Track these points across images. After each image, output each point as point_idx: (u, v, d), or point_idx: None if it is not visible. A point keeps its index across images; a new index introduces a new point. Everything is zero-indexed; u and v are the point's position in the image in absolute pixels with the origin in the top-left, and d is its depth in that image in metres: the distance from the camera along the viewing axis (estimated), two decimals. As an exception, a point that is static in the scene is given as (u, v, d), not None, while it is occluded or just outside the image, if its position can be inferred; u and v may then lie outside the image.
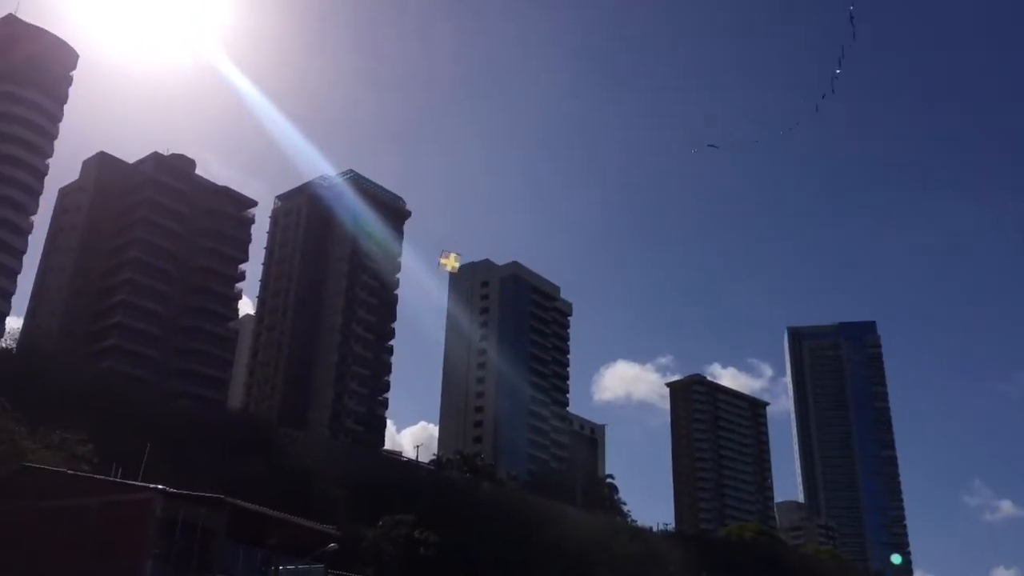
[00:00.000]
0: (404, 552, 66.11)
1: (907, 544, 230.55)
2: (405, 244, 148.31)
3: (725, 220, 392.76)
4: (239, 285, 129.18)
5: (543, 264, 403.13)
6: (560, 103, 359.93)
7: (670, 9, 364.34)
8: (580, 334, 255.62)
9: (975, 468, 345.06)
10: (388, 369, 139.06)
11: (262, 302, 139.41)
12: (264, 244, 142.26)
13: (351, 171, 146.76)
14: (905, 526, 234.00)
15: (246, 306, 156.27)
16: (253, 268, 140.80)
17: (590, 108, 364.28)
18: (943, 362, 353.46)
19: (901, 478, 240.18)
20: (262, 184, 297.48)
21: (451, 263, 46.12)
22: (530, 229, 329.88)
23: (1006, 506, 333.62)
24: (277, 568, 35.88)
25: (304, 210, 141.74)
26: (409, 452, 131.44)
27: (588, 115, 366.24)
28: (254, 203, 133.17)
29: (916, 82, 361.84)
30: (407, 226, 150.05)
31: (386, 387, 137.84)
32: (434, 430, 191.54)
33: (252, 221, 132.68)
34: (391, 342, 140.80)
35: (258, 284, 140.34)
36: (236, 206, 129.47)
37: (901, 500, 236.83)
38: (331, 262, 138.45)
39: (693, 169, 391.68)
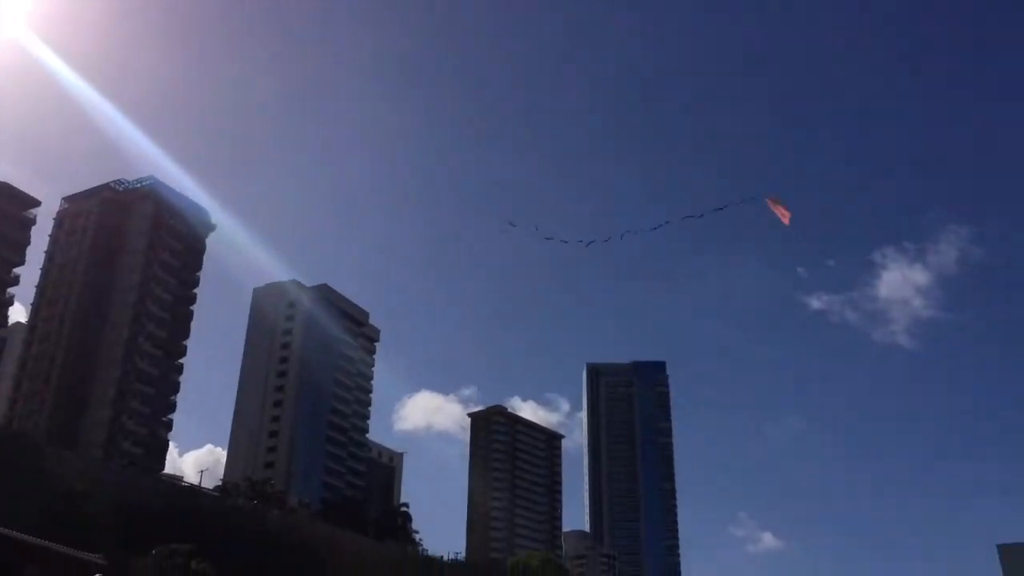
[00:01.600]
0: (179, 583, 62.60)
1: (679, 572, 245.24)
2: (207, 260, 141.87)
3: (533, 262, 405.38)
4: (11, 290, 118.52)
5: (352, 289, 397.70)
6: (386, 124, 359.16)
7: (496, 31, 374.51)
8: (385, 361, 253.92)
9: (741, 502, 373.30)
10: (176, 388, 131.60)
11: (36, 310, 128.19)
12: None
13: (151, 177, 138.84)
14: (679, 555, 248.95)
15: (18, 313, 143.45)
16: (31, 273, 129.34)
17: (414, 131, 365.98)
18: (723, 402, 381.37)
19: (678, 510, 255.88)
20: (61, 185, 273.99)
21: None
22: (341, 252, 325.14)
23: (767, 537, 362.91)
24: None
25: (94, 215, 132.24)
26: (192, 477, 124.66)
27: (412, 137, 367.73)
28: (37, 203, 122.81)
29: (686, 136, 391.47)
30: (210, 240, 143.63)
31: (172, 407, 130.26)
32: (221, 454, 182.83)
33: (34, 222, 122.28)
34: (182, 360, 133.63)
35: (34, 291, 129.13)
36: (16, 204, 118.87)
37: (677, 531, 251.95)
38: (121, 272, 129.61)
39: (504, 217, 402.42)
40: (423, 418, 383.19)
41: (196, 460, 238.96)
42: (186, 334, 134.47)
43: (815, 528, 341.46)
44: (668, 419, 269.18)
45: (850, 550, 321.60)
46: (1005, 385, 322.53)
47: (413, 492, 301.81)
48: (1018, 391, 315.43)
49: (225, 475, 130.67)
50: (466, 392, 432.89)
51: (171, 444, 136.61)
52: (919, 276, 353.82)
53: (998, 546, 41.76)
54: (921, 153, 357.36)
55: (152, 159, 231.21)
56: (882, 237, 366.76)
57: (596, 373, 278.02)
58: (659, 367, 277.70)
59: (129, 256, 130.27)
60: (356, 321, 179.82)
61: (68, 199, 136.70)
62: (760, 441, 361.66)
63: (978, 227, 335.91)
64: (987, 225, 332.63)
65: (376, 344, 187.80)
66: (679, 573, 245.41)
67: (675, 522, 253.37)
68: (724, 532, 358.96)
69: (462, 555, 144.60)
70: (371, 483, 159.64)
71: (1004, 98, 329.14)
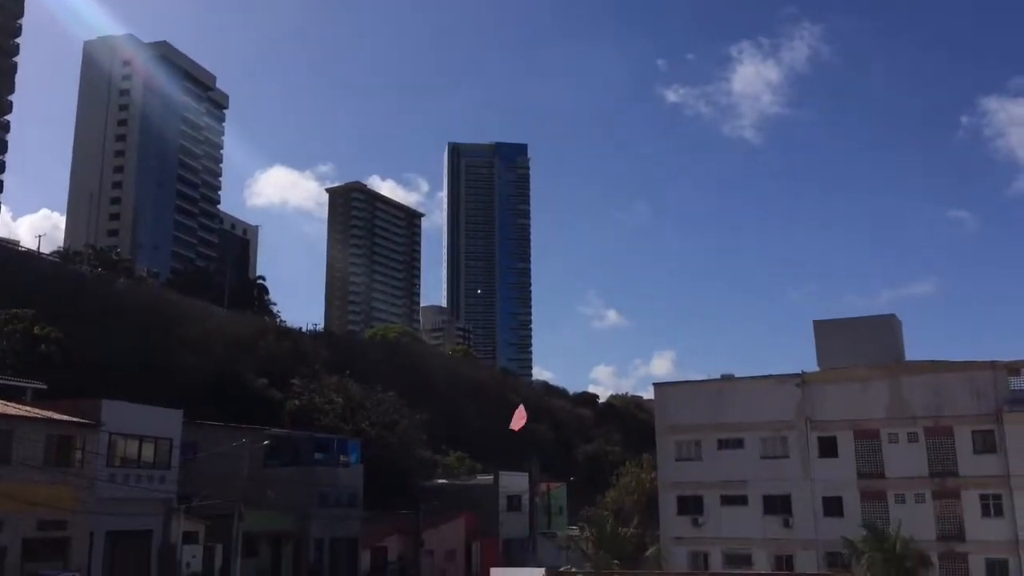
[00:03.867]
0: (22, 348, 59.73)
1: (530, 345, 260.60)
2: (30, 6, 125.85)
3: (393, 32, 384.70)
4: None
5: (197, 50, 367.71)
6: None
7: None
8: (236, 131, 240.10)
9: (590, 281, 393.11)
10: (3, 147, 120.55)
11: None
12: None
13: None
14: (531, 330, 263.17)
15: None
16: None
17: None
18: (577, 186, 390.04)
19: (532, 288, 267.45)
20: None
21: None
22: (183, 7, 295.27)
23: (612, 315, 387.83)
24: None
25: None
26: (29, 243, 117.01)
27: None
28: None
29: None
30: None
31: (0, 167, 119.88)
32: (60, 220, 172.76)
33: None
34: (7, 117, 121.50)
35: None
36: None
37: (530, 307, 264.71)
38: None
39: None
40: (277, 194, 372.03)
41: (32, 225, 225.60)
42: (10, 88, 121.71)
43: (655, 306, 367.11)
44: (527, 201, 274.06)
45: (684, 327, 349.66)
46: (837, 180, 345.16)
47: (270, 268, 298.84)
48: (849, 187, 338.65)
49: (65, 242, 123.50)
50: (323, 169, 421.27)
51: (2, 207, 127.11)
52: (771, 72, 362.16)
53: (814, 322, 46.75)
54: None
55: None
56: (740, 32, 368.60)
57: (457, 152, 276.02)
58: (521, 149, 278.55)
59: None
60: (202, 84, 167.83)
61: None
62: (610, 225, 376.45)
63: (829, 24, 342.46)
64: (837, 24, 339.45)
65: (225, 112, 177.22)
66: (530, 346, 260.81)
67: (529, 299, 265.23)
68: (573, 310, 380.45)
69: (321, 326, 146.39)
70: (224, 255, 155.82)
71: None
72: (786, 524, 45.18)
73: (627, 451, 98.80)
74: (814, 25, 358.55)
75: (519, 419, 53.90)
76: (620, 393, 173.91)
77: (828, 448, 45.68)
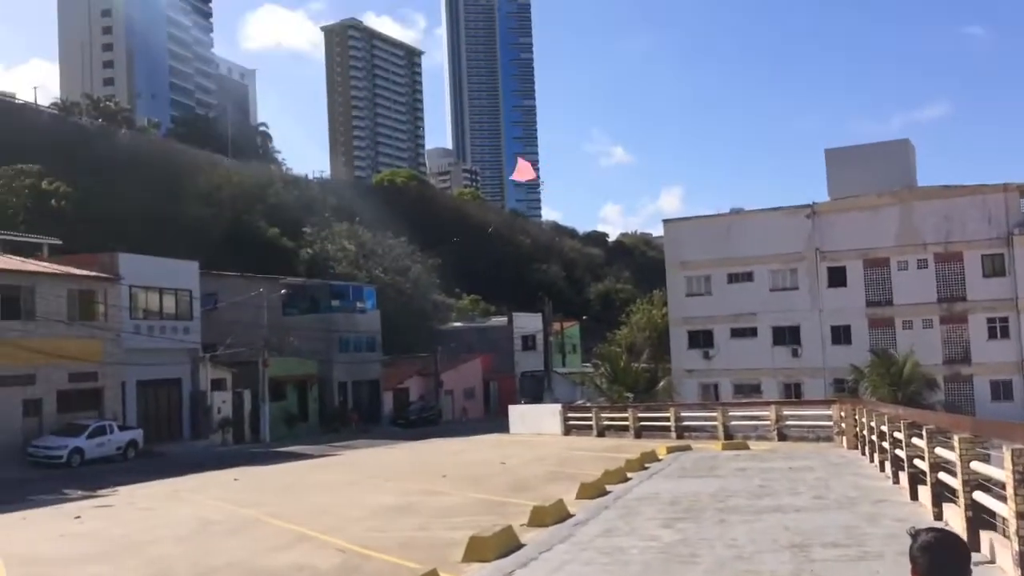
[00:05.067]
0: (33, 204, 59.81)
1: (538, 185, 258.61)
2: None
3: None
4: None
5: None
6: None
7: None
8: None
9: (595, 118, 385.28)
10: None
11: None
12: None
13: None
14: (539, 170, 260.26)
15: None
16: None
17: None
18: (583, 20, 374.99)
19: (537, 126, 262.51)
20: None
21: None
22: None
23: (618, 152, 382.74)
24: None
25: None
26: (24, 95, 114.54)
27: None
28: None
29: None
30: None
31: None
32: (52, 69, 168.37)
33: None
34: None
35: None
36: None
37: (536, 146, 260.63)
38: None
39: None
40: (271, 36, 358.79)
41: (24, 75, 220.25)
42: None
43: (661, 142, 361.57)
44: (529, 34, 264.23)
45: (692, 162, 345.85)
46: (846, 5, 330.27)
47: (269, 113, 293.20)
48: (857, 4, 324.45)
49: (61, 93, 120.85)
50: (315, 6, 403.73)
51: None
52: None
53: (825, 151, 45.90)
54: None
55: None
56: None
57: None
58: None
59: None
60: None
61: None
62: (613, 57, 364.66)
63: None
64: None
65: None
66: (538, 187, 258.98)
67: (535, 137, 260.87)
68: (579, 149, 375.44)
69: (327, 173, 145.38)
70: (223, 101, 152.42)
71: None
72: (795, 354, 46.40)
73: (638, 289, 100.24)
74: None
75: (524, 171, 53.26)
76: (629, 231, 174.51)
77: (837, 278, 46.19)
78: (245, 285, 49.49)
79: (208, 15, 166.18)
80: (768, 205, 52.95)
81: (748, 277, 48.18)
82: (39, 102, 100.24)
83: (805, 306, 46.55)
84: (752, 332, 47.58)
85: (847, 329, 45.58)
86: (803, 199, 49.99)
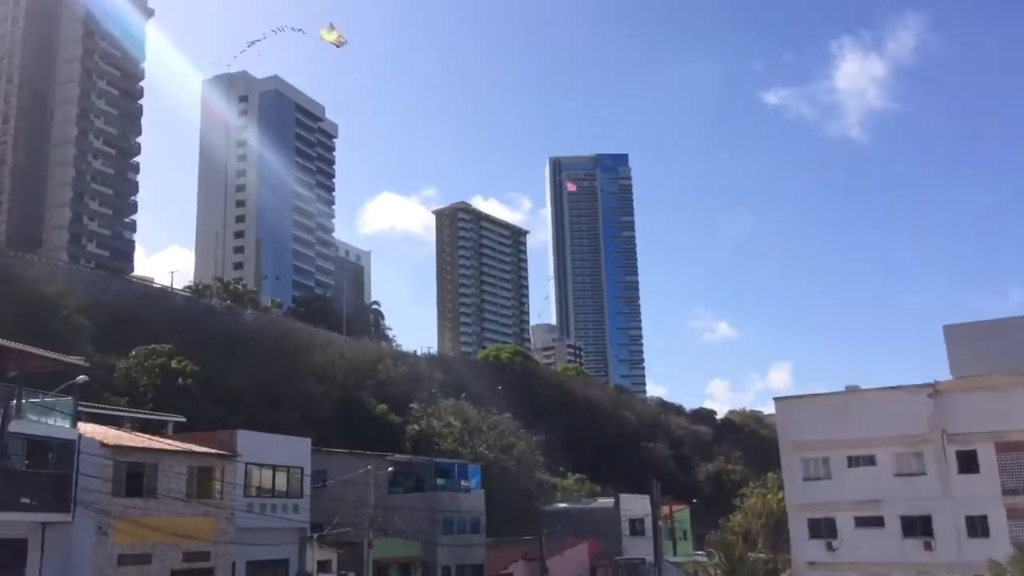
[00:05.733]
0: (162, 382, 63.35)
1: (642, 361, 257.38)
2: (150, 48, 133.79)
3: (490, 53, 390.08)
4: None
5: (305, 83, 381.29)
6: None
7: None
8: (344, 160, 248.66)
9: (698, 295, 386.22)
10: (135, 188, 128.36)
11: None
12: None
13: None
14: (642, 345, 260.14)
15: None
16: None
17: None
18: (680, 196, 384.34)
19: (641, 301, 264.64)
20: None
21: (334, 37, 35.89)
22: (293, 46, 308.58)
23: (723, 327, 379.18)
24: (21, 402, 32.76)
25: (23, 3, 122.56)
26: (161, 278, 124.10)
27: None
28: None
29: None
30: (151, 29, 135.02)
31: (133, 208, 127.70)
32: (188, 256, 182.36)
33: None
34: (136, 159, 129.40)
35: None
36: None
37: (639, 322, 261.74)
38: (59, 63, 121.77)
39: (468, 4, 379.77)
40: (387, 220, 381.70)
41: (163, 261, 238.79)
42: (137, 131, 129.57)
43: (767, 317, 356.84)
44: (631, 212, 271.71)
45: (801, 337, 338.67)
46: (953, 174, 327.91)
47: (382, 292, 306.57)
48: (963, 183, 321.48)
49: (195, 276, 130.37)
50: (427, 193, 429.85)
51: (137, 246, 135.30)
52: (876, 67, 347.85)
53: (944, 327, 44.18)
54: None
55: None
56: (840, 27, 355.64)
57: (559, 166, 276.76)
58: (621, 160, 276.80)
59: (66, 46, 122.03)
60: (312, 116, 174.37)
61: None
62: (715, 234, 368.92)
63: (934, 12, 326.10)
64: (943, 10, 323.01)
65: (335, 141, 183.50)
66: (642, 362, 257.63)
67: (638, 313, 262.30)
68: (682, 324, 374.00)
69: (434, 350, 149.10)
70: (341, 282, 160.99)
71: None
72: (927, 547, 42.93)
73: (750, 469, 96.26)
74: (917, 13, 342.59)
75: None
76: (738, 408, 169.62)
77: (968, 463, 43.21)
78: (353, 462, 50.09)
79: (331, 203, 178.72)
80: (882, 382, 51.23)
81: (870, 460, 45.65)
82: (174, 285, 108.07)
83: (935, 494, 43.46)
84: (878, 521, 44.46)
85: (983, 520, 42.09)
86: (920, 376, 48.19)
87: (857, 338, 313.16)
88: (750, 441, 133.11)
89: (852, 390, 51.80)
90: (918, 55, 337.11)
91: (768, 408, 75.20)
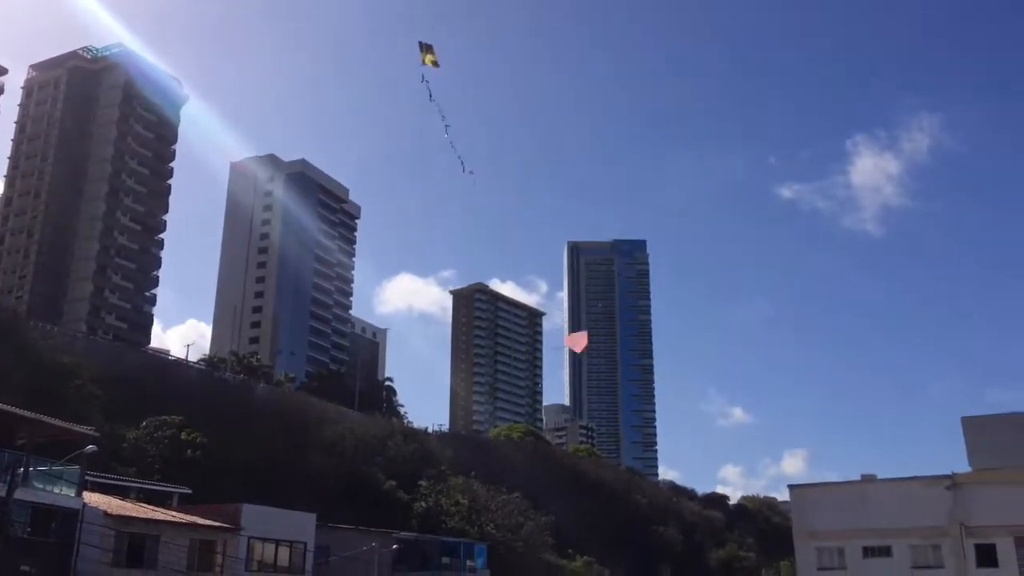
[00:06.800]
0: (170, 454, 63.16)
1: (655, 443, 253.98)
2: (182, 130, 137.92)
3: (512, 141, 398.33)
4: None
5: (329, 166, 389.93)
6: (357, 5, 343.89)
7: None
8: (365, 240, 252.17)
9: (711, 378, 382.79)
10: (157, 263, 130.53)
11: (11, 182, 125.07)
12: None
13: (119, 45, 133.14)
14: (655, 427, 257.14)
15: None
16: (2, 145, 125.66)
17: (387, 18, 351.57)
18: (695, 284, 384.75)
19: (655, 385, 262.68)
20: (30, 57, 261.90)
21: (431, 60, 36.40)
22: (318, 129, 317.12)
23: (737, 412, 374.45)
24: (28, 470, 32.88)
25: (63, 83, 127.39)
26: (177, 351, 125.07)
27: (384, 22, 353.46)
28: (4, 71, 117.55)
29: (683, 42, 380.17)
30: (184, 113, 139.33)
31: (154, 282, 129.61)
32: (206, 330, 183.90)
33: (1, 91, 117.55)
34: (162, 235, 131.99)
35: (7, 163, 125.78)
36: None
37: (653, 405, 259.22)
38: (94, 144, 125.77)
39: (512, 90, 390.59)
40: (403, 300, 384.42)
41: (181, 335, 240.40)
42: (164, 208, 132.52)
43: (781, 404, 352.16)
44: (647, 297, 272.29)
45: (815, 425, 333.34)
46: (969, 269, 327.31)
47: (397, 370, 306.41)
48: (979, 278, 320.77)
49: (211, 350, 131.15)
50: (445, 274, 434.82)
51: (155, 319, 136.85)
52: (891, 164, 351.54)
53: (962, 419, 43.45)
54: (894, 39, 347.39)
55: (120, 35, 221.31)
56: (855, 125, 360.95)
57: (576, 251, 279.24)
58: (639, 245, 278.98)
59: (101, 128, 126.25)
60: (336, 197, 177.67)
61: (36, 67, 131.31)
62: (730, 321, 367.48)
63: (949, 114, 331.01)
64: (958, 112, 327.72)
65: (357, 222, 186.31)
66: (655, 444, 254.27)
67: (652, 396, 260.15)
68: (695, 408, 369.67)
69: (446, 427, 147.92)
70: (355, 358, 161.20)
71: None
72: (946, 643, 41.60)
73: (762, 556, 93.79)
74: (932, 114, 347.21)
75: (577, 342, 51.23)
76: (751, 494, 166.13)
77: (987, 557, 42.18)
78: (358, 538, 49.48)
79: (350, 281, 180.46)
80: (898, 472, 50.30)
81: (886, 552, 44.66)
82: (190, 358, 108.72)
83: (953, 587, 42.32)
84: (896, 616, 43.26)
85: (1005, 616, 40.86)
86: (937, 468, 47.45)
87: (873, 427, 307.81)
88: (764, 528, 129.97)
89: (868, 479, 50.98)
90: (933, 155, 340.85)
91: (782, 494, 73.94)
